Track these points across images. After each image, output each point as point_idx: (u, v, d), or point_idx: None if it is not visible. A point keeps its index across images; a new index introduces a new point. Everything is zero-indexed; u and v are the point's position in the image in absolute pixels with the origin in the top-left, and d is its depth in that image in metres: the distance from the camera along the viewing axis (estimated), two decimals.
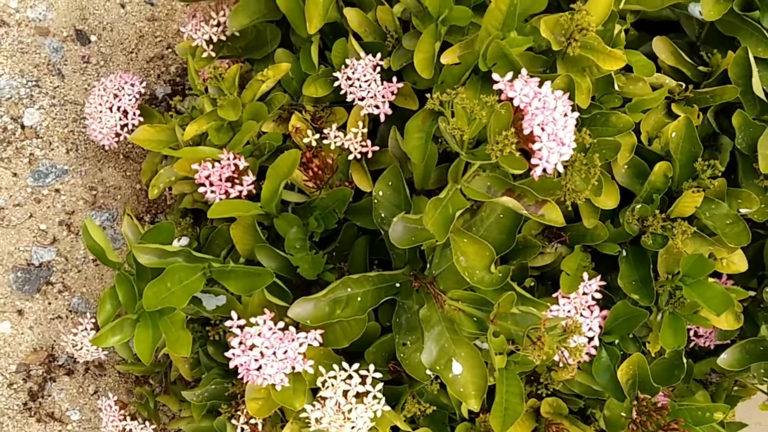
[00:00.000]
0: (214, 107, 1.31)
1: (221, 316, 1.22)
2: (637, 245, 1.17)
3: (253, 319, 1.05)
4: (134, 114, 1.57)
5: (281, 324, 1.05)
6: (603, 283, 1.15)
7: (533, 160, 0.92)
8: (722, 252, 1.18)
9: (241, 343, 1.06)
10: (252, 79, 1.34)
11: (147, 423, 1.57)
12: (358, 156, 1.26)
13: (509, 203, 0.94)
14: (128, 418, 1.57)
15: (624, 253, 1.17)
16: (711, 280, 1.16)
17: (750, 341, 1.22)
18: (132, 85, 1.58)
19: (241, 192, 1.21)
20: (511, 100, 0.92)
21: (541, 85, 0.95)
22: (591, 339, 1.13)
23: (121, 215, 1.76)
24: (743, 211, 1.23)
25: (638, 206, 1.14)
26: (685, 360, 1.16)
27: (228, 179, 1.21)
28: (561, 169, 0.94)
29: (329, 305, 1.07)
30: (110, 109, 1.57)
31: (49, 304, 1.71)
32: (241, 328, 1.07)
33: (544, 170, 0.93)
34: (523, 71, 0.95)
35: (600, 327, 1.14)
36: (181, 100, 1.41)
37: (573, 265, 1.15)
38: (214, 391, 1.29)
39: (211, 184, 1.21)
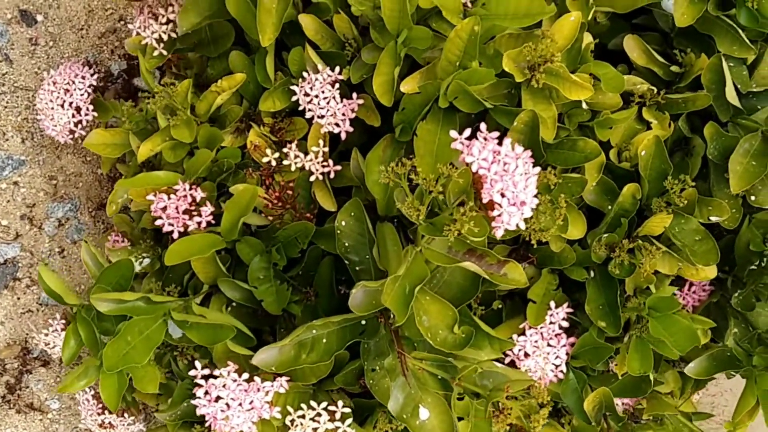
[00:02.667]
0: (168, 123, 1.26)
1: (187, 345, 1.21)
2: (605, 266, 1.15)
3: (216, 371, 1.04)
4: (87, 110, 1.50)
5: (246, 375, 1.04)
6: (570, 310, 1.15)
7: (494, 224, 0.89)
8: (691, 269, 1.16)
9: (206, 392, 1.05)
10: (207, 90, 1.28)
11: (126, 415, 1.58)
12: (320, 177, 1.22)
13: (471, 267, 0.92)
14: (106, 411, 1.59)
15: (592, 274, 1.16)
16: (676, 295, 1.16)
17: (717, 349, 1.23)
18: (83, 77, 1.50)
19: (199, 223, 1.17)
20: (469, 164, 0.88)
21: (500, 141, 0.90)
22: (558, 366, 1.13)
23: (84, 203, 1.72)
24: (714, 219, 1.21)
25: (605, 235, 1.11)
26: (652, 376, 1.17)
27: (185, 211, 1.17)
28: (523, 226, 0.91)
29: (294, 349, 1.06)
30: (62, 105, 1.50)
31: (18, 299, 1.69)
32: (206, 378, 1.06)
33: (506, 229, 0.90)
34: (483, 126, 0.90)
35: (567, 354, 1.14)
36: (133, 106, 1.34)
37: (540, 291, 1.14)
38: (186, 409, 1.29)
39: (168, 217, 1.17)
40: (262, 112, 1.26)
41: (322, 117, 1.20)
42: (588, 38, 1.14)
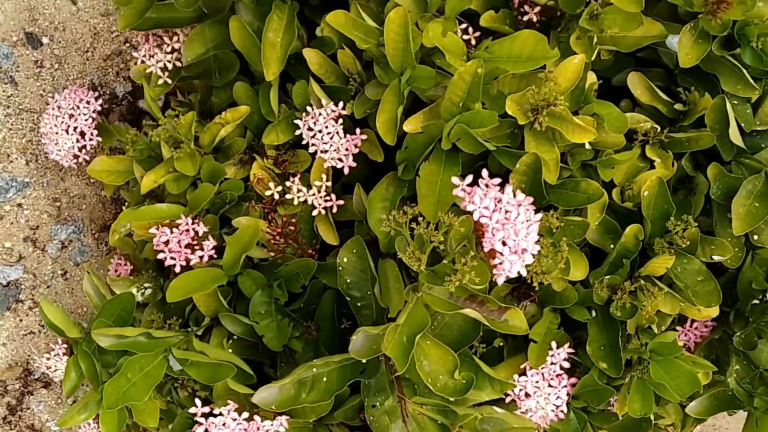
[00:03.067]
0: (171, 155, 1.26)
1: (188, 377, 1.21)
2: (607, 307, 1.15)
3: (216, 410, 1.04)
4: (92, 135, 1.50)
5: (246, 414, 1.04)
6: (571, 350, 1.14)
7: (495, 271, 0.89)
8: (693, 309, 1.16)
9: (206, 430, 1.05)
10: (211, 121, 1.28)
11: None
12: (323, 211, 1.22)
13: (471, 314, 0.91)
14: None
15: (594, 314, 1.16)
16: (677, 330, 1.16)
17: (719, 389, 1.23)
18: (88, 102, 1.51)
19: (201, 257, 1.17)
20: (471, 213, 0.88)
21: (503, 186, 0.90)
22: (558, 406, 1.13)
23: (87, 226, 1.72)
24: (717, 258, 1.21)
25: (607, 277, 1.11)
26: (653, 417, 1.17)
27: (187, 246, 1.17)
28: (524, 272, 0.91)
29: (294, 388, 1.06)
30: (66, 130, 1.50)
31: (21, 320, 1.69)
32: (206, 416, 1.06)
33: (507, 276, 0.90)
34: (484, 173, 0.90)
35: (568, 394, 1.13)
36: (137, 134, 1.34)
37: (542, 330, 1.13)
38: None
39: (171, 251, 1.17)
40: (266, 145, 1.27)
41: (326, 152, 1.20)
42: (592, 78, 1.14)
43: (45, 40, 1.71)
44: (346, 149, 1.20)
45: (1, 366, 1.70)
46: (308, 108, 1.22)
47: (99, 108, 1.50)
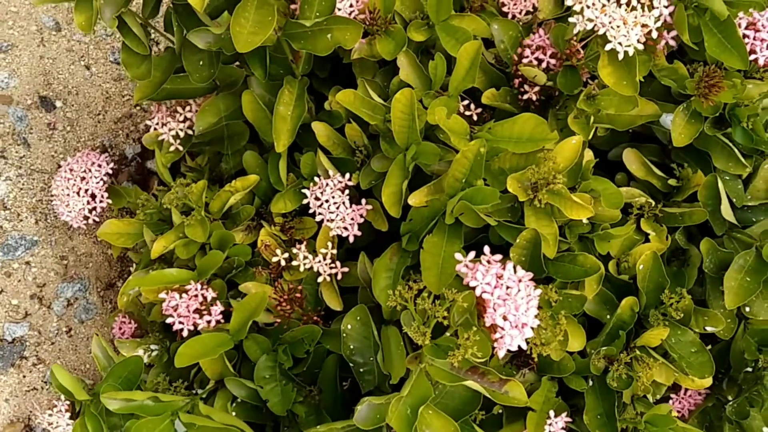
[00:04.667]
0: (182, 220, 1.30)
1: None
2: (604, 377, 1.18)
3: None
4: (102, 197, 1.54)
5: None
6: (569, 419, 1.17)
7: (496, 345, 0.93)
8: (687, 379, 1.19)
9: None
10: (222, 185, 1.33)
11: None
12: (328, 278, 1.26)
13: (473, 386, 0.95)
14: None
15: (591, 383, 1.19)
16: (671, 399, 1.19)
17: None
18: (99, 166, 1.55)
19: (209, 322, 1.21)
20: (473, 288, 0.91)
21: (504, 261, 0.94)
22: None
23: (93, 284, 1.75)
24: (709, 329, 1.24)
25: (604, 348, 1.15)
26: None
27: (196, 310, 1.21)
28: (524, 346, 0.95)
29: None
30: (77, 192, 1.54)
31: (24, 377, 1.71)
32: None
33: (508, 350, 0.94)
34: (486, 249, 0.94)
35: None
36: (147, 198, 1.39)
37: (540, 399, 1.16)
38: None
39: (179, 315, 1.21)
40: (273, 213, 1.31)
41: (332, 221, 1.24)
42: (589, 155, 1.19)
43: (58, 104, 1.76)
44: (352, 218, 1.24)
45: (2, 422, 1.71)
46: (315, 178, 1.27)
47: (110, 171, 1.55)
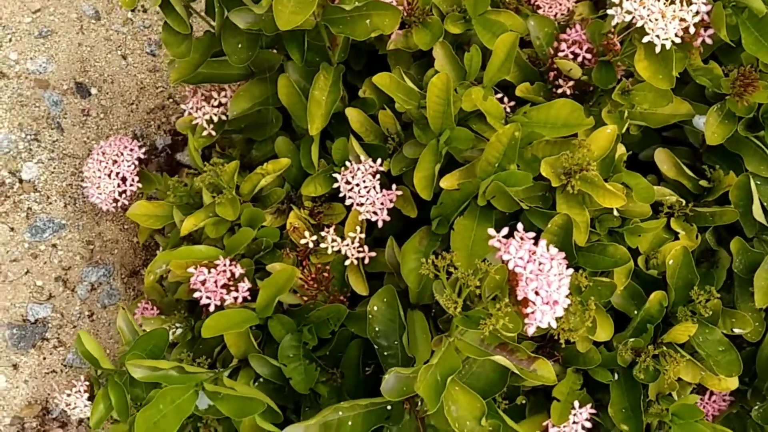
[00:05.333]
0: (212, 200, 1.31)
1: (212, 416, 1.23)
2: (630, 370, 1.17)
3: None
4: (133, 180, 1.56)
5: None
6: (593, 411, 1.16)
7: (527, 321, 0.92)
8: (713, 379, 1.18)
9: None
10: (252, 171, 1.34)
11: None
12: (355, 261, 1.26)
13: (502, 361, 0.94)
14: None
15: (616, 377, 1.18)
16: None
17: None
18: (131, 150, 1.57)
19: (236, 299, 1.21)
20: (506, 262, 0.92)
21: (536, 241, 0.94)
22: None
23: (118, 270, 1.77)
24: (737, 331, 1.23)
25: (631, 340, 1.14)
26: None
27: (223, 286, 1.21)
28: (554, 324, 0.94)
29: (320, 429, 1.08)
30: (108, 175, 1.55)
31: (44, 359, 1.72)
32: None
33: (538, 327, 0.93)
34: (519, 226, 0.95)
35: None
36: (178, 181, 1.40)
37: (564, 389, 1.16)
38: None
39: (207, 290, 1.21)
40: (303, 196, 1.32)
41: (362, 205, 1.25)
42: (621, 149, 1.19)
43: (93, 91, 1.79)
44: (382, 203, 1.25)
45: (20, 403, 1.71)
46: (347, 163, 1.28)
47: (142, 156, 1.56)
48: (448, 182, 1.13)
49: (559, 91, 1.26)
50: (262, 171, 1.33)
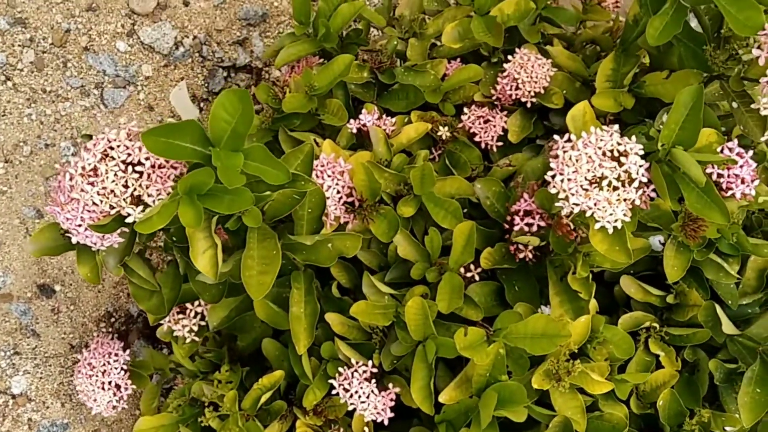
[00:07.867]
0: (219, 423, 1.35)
1: None
2: None
3: None
4: (126, 385, 1.58)
5: None
6: None
7: None
8: None
9: None
10: (251, 389, 1.38)
11: None
12: None
13: None
14: None
15: None
16: None
17: None
18: (116, 355, 1.58)
19: None
20: None
21: None
22: None
23: None
24: (729, 429, 1.34)
25: None
26: None
27: None
28: None
29: None
30: (102, 387, 1.58)
31: None
32: None
33: None
34: None
35: None
36: (177, 398, 1.44)
37: None
38: None
39: None
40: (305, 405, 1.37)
41: (365, 410, 1.30)
42: (594, 305, 1.26)
43: (57, 287, 1.79)
44: (383, 404, 1.30)
45: None
46: (340, 369, 1.32)
47: (128, 358, 1.58)
48: (446, 396, 1.19)
49: (521, 255, 1.31)
50: (260, 387, 1.37)
